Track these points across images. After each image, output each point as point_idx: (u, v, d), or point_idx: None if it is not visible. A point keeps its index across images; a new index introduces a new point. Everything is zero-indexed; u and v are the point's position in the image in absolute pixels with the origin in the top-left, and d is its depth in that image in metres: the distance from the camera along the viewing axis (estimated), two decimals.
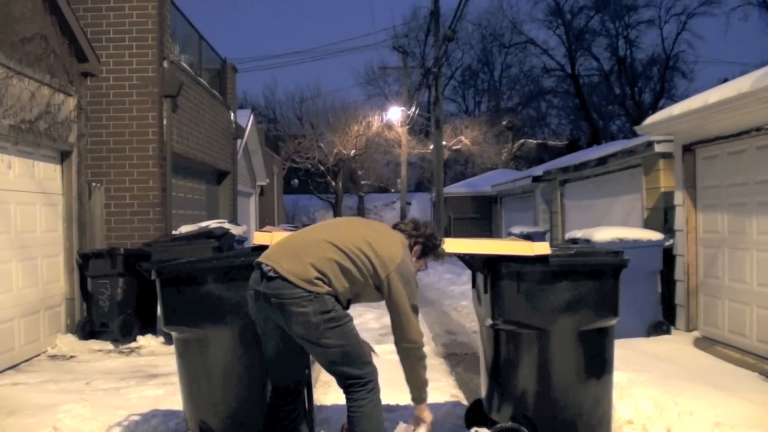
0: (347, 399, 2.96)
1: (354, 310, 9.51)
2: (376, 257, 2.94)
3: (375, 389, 2.98)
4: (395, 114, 31.99)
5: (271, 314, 2.91)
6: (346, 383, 2.95)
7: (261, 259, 2.96)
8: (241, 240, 8.02)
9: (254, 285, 2.93)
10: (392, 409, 4.36)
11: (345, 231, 3.05)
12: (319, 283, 2.85)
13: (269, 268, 2.88)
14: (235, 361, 3.34)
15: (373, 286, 2.99)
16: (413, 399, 3.19)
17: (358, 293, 3.01)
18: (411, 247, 3.17)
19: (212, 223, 8.56)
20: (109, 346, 6.87)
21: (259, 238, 3.41)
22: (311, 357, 3.22)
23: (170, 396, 4.55)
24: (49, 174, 6.88)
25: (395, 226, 3.26)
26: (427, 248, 3.23)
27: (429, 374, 5.37)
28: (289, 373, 3.11)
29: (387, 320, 9.25)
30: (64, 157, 7.13)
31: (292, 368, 3.11)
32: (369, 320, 7.91)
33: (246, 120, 16.53)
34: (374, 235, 3.02)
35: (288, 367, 3.10)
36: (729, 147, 6.03)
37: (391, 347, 6.46)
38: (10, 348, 5.98)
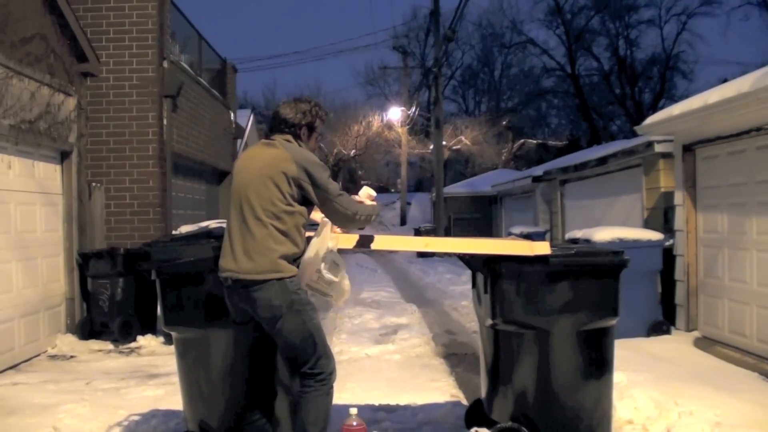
0: (299, 385, 3.04)
1: (354, 310, 9.45)
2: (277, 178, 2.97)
3: (326, 381, 3.01)
4: (395, 114, 32.03)
5: (239, 302, 3.03)
6: (300, 371, 3.03)
7: (219, 273, 3.07)
8: None
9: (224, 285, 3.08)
10: (392, 409, 4.36)
11: (248, 195, 3.03)
12: (275, 265, 2.93)
13: (225, 276, 3.03)
14: (235, 361, 3.34)
15: (302, 205, 3.02)
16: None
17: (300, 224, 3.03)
18: (298, 136, 3.16)
19: (212, 223, 8.55)
20: (109, 346, 6.87)
21: None
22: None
23: (170, 396, 4.55)
24: (49, 174, 6.88)
25: (272, 131, 3.21)
26: (312, 124, 3.20)
27: (429, 374, 5.41)
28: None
29: (387, 320, 9.26)
30: (64, 157, 7.13)
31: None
32: (369, 320, 7.91)
33: (246, 120, 16.57)
34: (262, 168, 3.02)
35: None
36: (729, 147, 6.03)
37: (391, 347, 6.53)
38: (10, 348, 5.98)
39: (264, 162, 3.04)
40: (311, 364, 2.99)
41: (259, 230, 2.96)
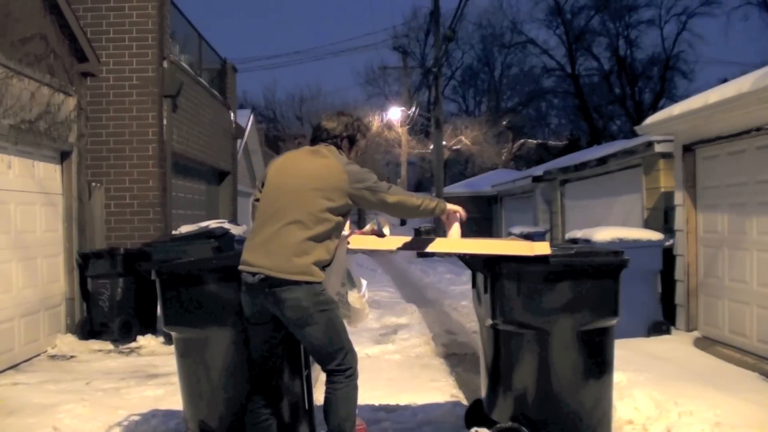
0: (327, 381, 3.08)
1: None
2: (329, 190, 3.01)
3: (353, 376, 3.09)
4: (395, 114, 32.00)
5: (263, 301, 3.01)
6: (327, 368, 3.07)
7: (242, 266, 3.04)
8: (241, 240, 8.02)
9: (246, 281, 3.05)
10: (392, 409, 4.36)
11: (293, 197, 3.04)
12: (308, 269, 2.95)
13: (254, 272, 2.99)
14: (235, 361, 3.34)
15: (341, 216, 3.08)
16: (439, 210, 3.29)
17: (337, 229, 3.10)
18: (339, 147, 3.24)
19: (212, 223, 8.55)
20: (109, 346, 6.87)
21: None
22: (310, 358, 3.28)
23: (170, 396, 4.55)
24: (49, 174, 6.88)
25: (314, 141, 3.27)
26: (353, 137, 3.29)
27: (429, 374, 5.41)
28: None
29: (387, 320, 9.26)
30: (64, 157, 7.13)
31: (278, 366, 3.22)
32: (369, 320, 7.88)
33: (246, 120, 16.55)
34: (312, 175, 3.05)
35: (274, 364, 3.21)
36: (729, 147, 6.03)
37: (391, 347, 6.54)
38: (10, 348, 5.98)
39: (313, 169, 3.07)
40: (339, 361, 3.04)
41: (301, 233, 2.97)
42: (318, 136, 3.26)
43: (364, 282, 3.26)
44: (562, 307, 3.30)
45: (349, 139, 3.28)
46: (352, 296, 3.21)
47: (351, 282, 3.21)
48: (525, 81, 38.75)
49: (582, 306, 3.31)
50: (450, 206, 3.32)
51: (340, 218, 3.07)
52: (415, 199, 3.18)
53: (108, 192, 8.40)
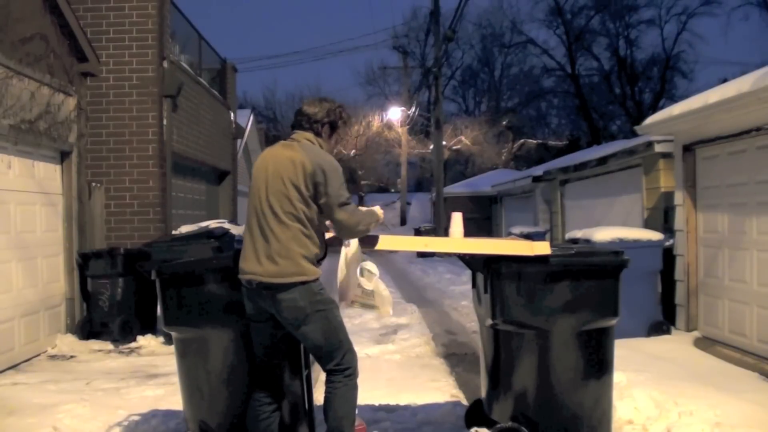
0: (326, 381, 3.08)
1: (354, 310, 9.41)
2: (298, 183, 2.96)
3: (353, 375, 3.08)
4: (395, 114, 32.03)
5: (262, 303, 3.02)
6: (327, 368, 3.07)
7: (240, 275, 3.05)
8: (241, 240, 8.03)
9: (244, 286, 3.07)
10: (392, 409, 4.36)
11: (270, 197, 3.01)
12: (300, 268, 2.94)
13: (249, 279, 3.00)
14: (235, 361, 3.34)
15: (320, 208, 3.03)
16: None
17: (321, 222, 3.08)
18: (319, 134, 3.19)
19: (212, 223, 8.56)
20: (109, 346, 6.87)
21: None
22: (310, 358, 3.29)
23: (170, 396, 4.55)
24: (49, 174, 6.88)
25: (294, 127, 3.23)
26: (334, 123, 3.23)
27: (429, 374, 5.41)
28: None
29: (387, 320, 9.23)
30: (64, 157, 7.13)
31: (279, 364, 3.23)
32: (369, 320, 7.91)
33: (246, 120, 16.58)
34: (282, 171, 3.00)
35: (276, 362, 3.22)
36: (729, 147, 6.03)
37: (391, 347, 6.53)
38: (10, 348, 5.98)
39: (283, 164, 3.03)
40: (338, 361, 3.03)
41: (282, 232, 2.95)
42: (298, 122, 3.20)
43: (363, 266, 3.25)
44: (562, 307, 3.30)
45: (330, 125, 3.21)
46: (373, 283, 3.19)
47: (368, 271, 3.19)
48: (525, 81, 38.76)
49: (582, 306, 3.31)
50: (377, 211, 3.25)
51: (319, 210, 3.02)
52: (362, 226, 3.07)
53: (108, 192, 8.40)
